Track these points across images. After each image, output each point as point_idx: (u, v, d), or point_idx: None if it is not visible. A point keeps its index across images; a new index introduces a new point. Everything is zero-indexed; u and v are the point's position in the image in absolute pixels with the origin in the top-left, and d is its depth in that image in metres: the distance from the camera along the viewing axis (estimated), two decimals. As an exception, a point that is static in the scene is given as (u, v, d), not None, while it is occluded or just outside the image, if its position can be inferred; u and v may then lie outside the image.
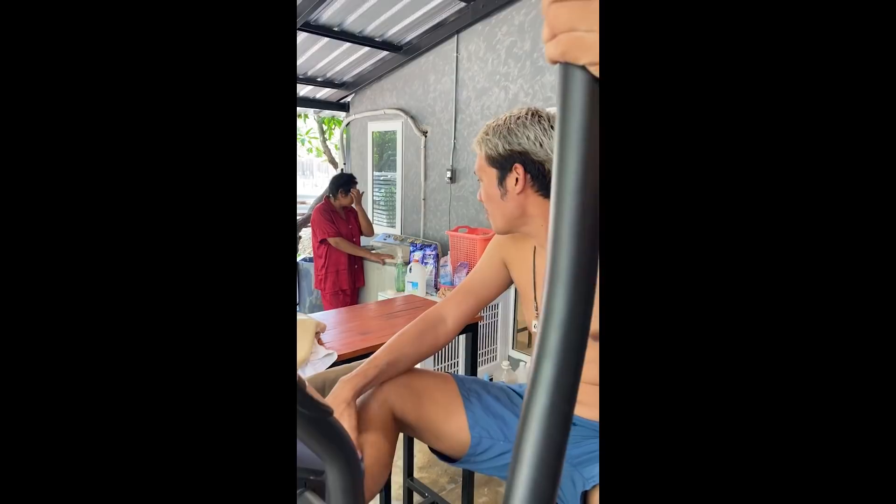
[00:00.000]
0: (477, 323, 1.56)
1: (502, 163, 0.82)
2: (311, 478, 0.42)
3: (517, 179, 0.81)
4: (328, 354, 1.16)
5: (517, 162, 0.81)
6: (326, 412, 0.37)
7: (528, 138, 0.80)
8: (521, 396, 0.92)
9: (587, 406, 0.81)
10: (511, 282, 0.95)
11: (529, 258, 0.90)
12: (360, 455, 0.74)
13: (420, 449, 1.60)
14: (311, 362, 1.12)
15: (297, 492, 0.41)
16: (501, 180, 0.82)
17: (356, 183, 2.86)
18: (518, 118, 0.81)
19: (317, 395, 0.44)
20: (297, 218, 4.42)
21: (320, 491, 0.41)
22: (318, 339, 1.27)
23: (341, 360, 1.18)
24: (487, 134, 0.83)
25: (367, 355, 1.26)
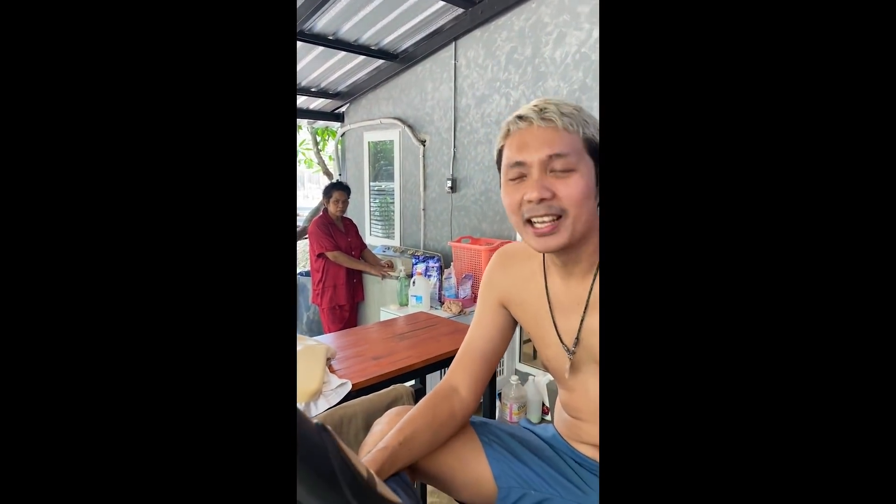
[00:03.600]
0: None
1: (596, 154, 0.66)
2: None
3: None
4: (342, 384, 1.07)
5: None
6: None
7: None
8: (539, 437, 0.83)
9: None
10: (516, 323, 0.82)
11: (538, 282, 0.76)
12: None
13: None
14: (325, 394, 1.03)
15: None
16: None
17: (340, 189, 2.75)
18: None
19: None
20: (292, 230, 4.34)
21: None
22: (330, 367, 1.18)
23: (356, 390, 1.09)
24: (580, 110, 0.66)
25: (383, 383, 1.18)
